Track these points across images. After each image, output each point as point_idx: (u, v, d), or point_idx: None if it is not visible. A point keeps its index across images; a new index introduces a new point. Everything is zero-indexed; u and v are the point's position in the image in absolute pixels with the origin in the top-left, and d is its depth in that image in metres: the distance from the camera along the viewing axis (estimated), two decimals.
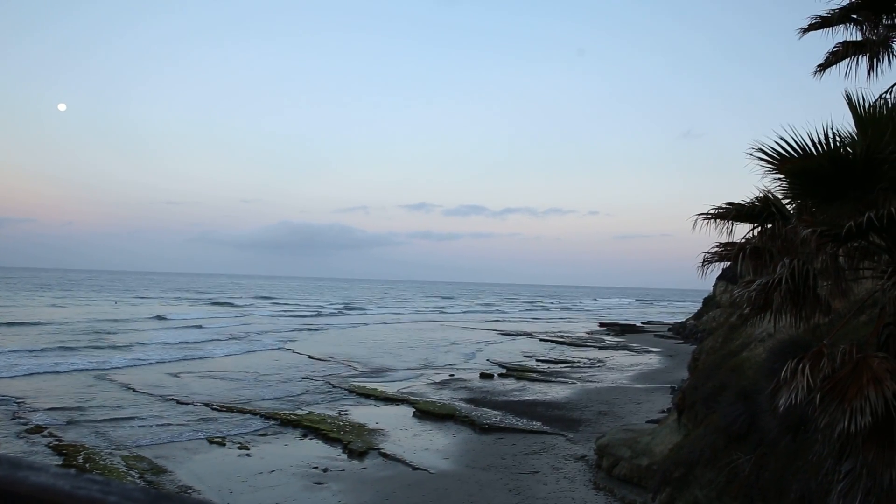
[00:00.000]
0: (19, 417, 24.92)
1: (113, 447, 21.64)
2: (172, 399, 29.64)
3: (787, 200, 6.69)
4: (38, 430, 23.24)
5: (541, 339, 67.14)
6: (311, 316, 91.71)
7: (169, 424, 25.03)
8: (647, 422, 25.08)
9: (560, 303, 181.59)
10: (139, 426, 24.60)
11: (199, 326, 63.88)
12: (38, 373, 33.63)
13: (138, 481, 18.18)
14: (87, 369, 36.00)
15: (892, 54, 11.48)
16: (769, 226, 6.81)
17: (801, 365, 5.82)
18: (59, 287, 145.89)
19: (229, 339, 56.24)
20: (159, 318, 71.88)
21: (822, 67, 11.88)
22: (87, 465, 19.11)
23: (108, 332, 54.99)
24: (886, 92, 11.24)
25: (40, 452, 20.69)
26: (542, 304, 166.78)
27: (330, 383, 35.65)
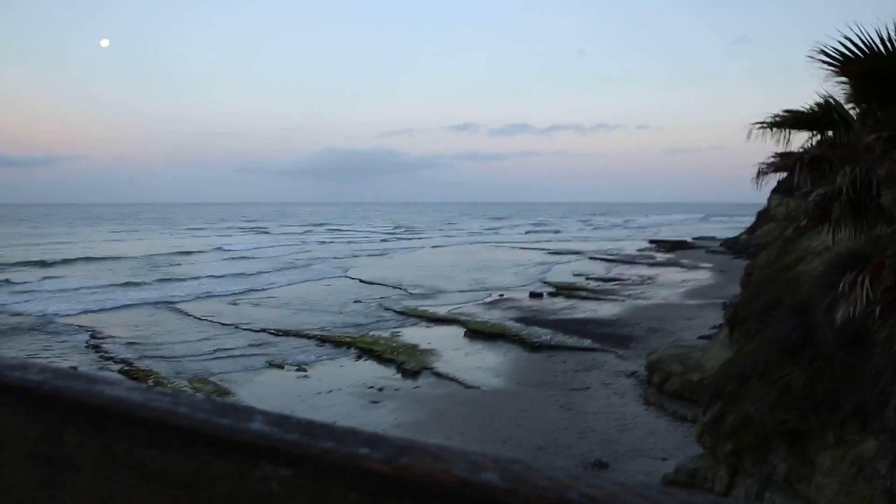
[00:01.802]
0: (92, 347, 26.24)
1: (180, 371, 22.68)
2: (232, 325, 30.73)
3: (851, 105, 6.30)
4: (109, 357, 24.47)
5: (590, 258, 66.74)
6: (362, 241, 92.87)
7: (231, 349, 26.03)
8: (699, 338, 24.96)
9: (609, 220, 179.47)
10: (204, 352, 25.64)
11: (252, 257, 65.06)
12: (106, 308, 34.96)
13: None
14: (150, 302, 37.35)
15: None
16: (830, 133, 6.46)
17: (860, 277, 5.62)
18: (112, 221, 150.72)
19: (283, 267, 57.41)
20: (216, 249, 73.42)
21: None
22: (157, 387, 20.11)
23: (168, 266, 56.75)
24: None
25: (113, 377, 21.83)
26: (590, 223, 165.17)
27: (383, 306, 36.36)
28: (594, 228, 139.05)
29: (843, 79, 6.05)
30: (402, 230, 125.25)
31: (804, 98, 6.63)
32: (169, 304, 36.51)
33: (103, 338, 27.79)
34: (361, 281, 47.82)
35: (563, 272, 54.00)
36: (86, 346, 26.17)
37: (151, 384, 20.42)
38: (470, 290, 42.89)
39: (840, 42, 5.73)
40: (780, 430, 10.85)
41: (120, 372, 22.23)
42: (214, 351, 25.76)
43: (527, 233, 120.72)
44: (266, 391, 20.73)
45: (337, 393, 20.40)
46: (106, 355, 24.65)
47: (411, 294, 41.42)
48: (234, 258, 63.77)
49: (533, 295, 40.12)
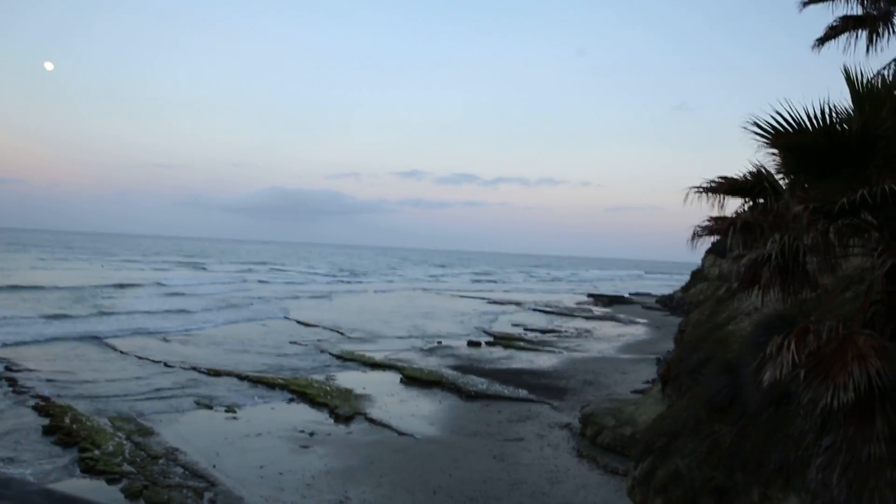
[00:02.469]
0: (6, 381, 24.82)
1: (101, 409, 21.66)
2: (162, 363, 29.65)
3: (780, 176, 6.64)
4: (24, 392, 23.18)
5: (530, 309, 67.49)
6: (303, 283, 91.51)
7: (159, 388, 25.04)
8: (632, 392, 25.33)
9: (549, 273, 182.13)
10: (130, 390, 24.56)
11: (188, 294, 63.02)
12: (26, 341, 33.03)
13: (125, 443, 18.22)
14: (76, 336, 35.61)
15: (893, 29, 11.36)
16: (761, 201, 6.77)
17: (787, 340, 5.83)
18: (41, 248, 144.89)
19: (220, 305, 55.94)
20: (150, 283, 70.78)
21: (822, 41, 11.74)
22: (74, 425, 19.13)
23: (98, 298, 54.58)
24: (885, 67, 11.16)
25: (26, 413, 20.69)
26: (531, 274, 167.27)
27: (318, 349, 35.77)
28: (535, 280, 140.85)
29: (774, 150, 6.38)
30: (345, 273, 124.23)
31: (739, 165, 6.96)
32: (96, 339, 34.91)
33: (20, 371, 26.35)
34: (299, 322, 47.04)
35: (502, 322, 54.33)
36: None
37: (69, 421, 19.45)
38: (408, 337, 42.65)
39: (772, 116, 6.06)
40: (708, 487, 11.02)
41: (34, 408, 21.07)
42: (141, 389, 24.73)
43: (469, 281, 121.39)
44: (192, 432, 19.96)
45: (266, 436, 19.80)
46: (21, 390, 23.35)
47: (349, 338, 40.92)
48: (169, 294, 61.65)
49: (471, 343, 40.16)
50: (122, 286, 64.37)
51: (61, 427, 18.99)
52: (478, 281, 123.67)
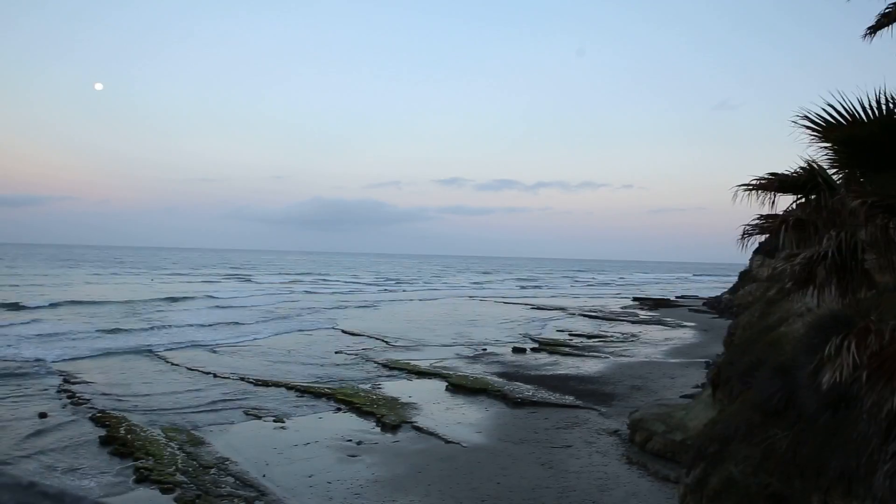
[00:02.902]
0: (65, 392, 25.59)
1: (154, 420, 22.13)
2: (210, 374, 30.18)
3: (834, 170, 6.41)
4: (81, 404, 23.85)
5: (574, 314, 66.83)
6: (346, 293, 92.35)
7: (208, 399, 25.49)
8: (681, 397, 24.83)
9: (594, 277, 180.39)
10: (181, 401, 25.07)
11: (236, 306, 64.17)
12: (84, 356, 33.85)
13: (177, 453, 18.57)
14: (130, 349, 36.57)
15: None
16: (814, 197, 6.54)
17: (846, 341, 5.61)
18: (94, 263, 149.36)
19: (267, 316, 56.86)
20: (199, 296, 71.74)
21: (873, 30, 11.34)
22: (129, 436, 19.59)
23: (150, 312, 55.91)
24: None
25: (84, 424, 21.26)
26: (575, 279, 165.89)
27: (364, 358, 35.97)
28: (579, 285, 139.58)
29: (827, 144, 6.17)
30: (389, 282, 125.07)
31: (786, 163, 6.75)
32: (149, 352, 35.72)
33: (78, 383, 27.15)
34: (344, 332, 47.42)
35: (547, 328, 53.92)
36: (58, 392, 25.52)
37: (123, 432, 19.93)
38: (453, 344, 42.60)
39: (823, 108, 5.86)
40: (764, 494, 10.69)
41: (91, 419, 21.65)
42: (192, 400, 25.21)
43: (512, 288, 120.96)
44: (242, 442, 20.24)
45: (314, 446, 19.95)
46: (79, 402, 24.03)
47: (394, 346, 41.07)
48: (218, 306, 62.83)
49: (516, 350, 39.91)
50: (173, 299, 65.90)
51: (117, 438, 19.47)
52: (521, 287, 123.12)
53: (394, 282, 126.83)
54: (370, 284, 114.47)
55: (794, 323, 16.94)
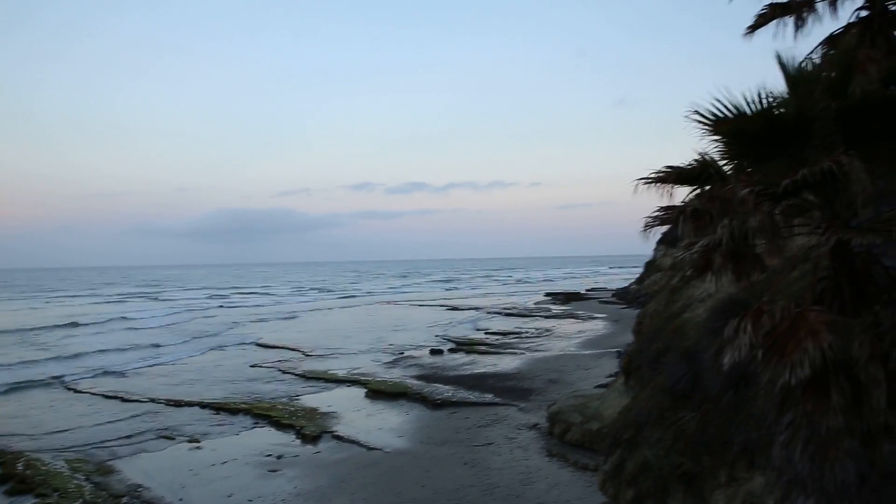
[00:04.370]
0: None
1: (56, 451, 20.89)
2: (117, 399, 28.78)
3: (725, 161, 6.78)
4: None
5: (489, 312, 67.72)
6: (260, 305, 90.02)
7: (118, 425, 24.29)
8: (596, 387, 25.58)
9: (506, 275, 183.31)
10: (87, 429, 23.77)
11: (142, 327, 60.92)
12: None
13: (84, 484, 17.61)
14: (31, 382, 34.28)
15: (817, 15, 11.80)
16: (708, 187, 6.90)
17: (743, 323, 5.94)
18: None
19: (177, 334, 54.80)
20: (76, 324, 65.31)
21: (752, 29, 12.12)
22: (28, 471, 18.40)
23: (51, 337, 52.72)
24: (813, 51, 11.57)
25: None
26: (490, 278, 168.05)
27: (280, 369, 35.24)
28: (494, 283, 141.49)
29: (717, 137, 6.52)
30: (304, 292, 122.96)
31: (683, 155, 7.07)
32: (54, 383, 33.36)
33: None
34: (261, 345, 46.30)
35: (463, 328, 54.39)
36: None
37: (22, 468, 18.68)
38: (371, 350, 42.33)
39: (712, 104, 6.19)
40: (676, 474, 11.16)
41: None
42: (100, 428, 23.91)
43: (428, 290, 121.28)
44: (154, 466, 19.41)
45: (232, 464, 19.37)
46: None
47: (312, 356, 40.42)
48: (131, 328, 59.61)
49: (433, 352, 40.08)
50: (75, 324, 61.82)
51: (14, 475, 18.23)
52: (437, 289, 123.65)
53: (309, 291, 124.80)
54: (286, 295, 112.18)
55: (696, 308, 17.76)
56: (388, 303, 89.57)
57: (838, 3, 11.79)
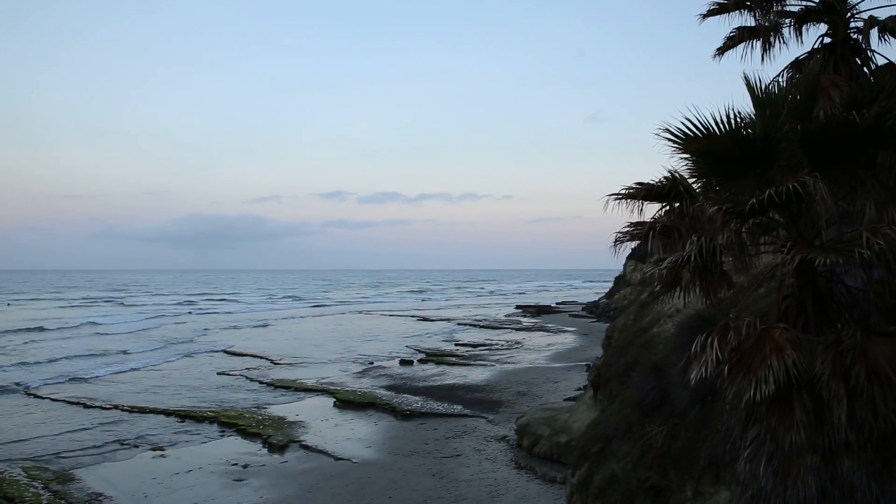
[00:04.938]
0: None
1: (13, 458, 20.38)
2: (80, 405, 28.20)
3: (693, 179, 6.90)
4: None
5: (459, 324, 67.72)
6: (229, 312, 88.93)
7: (79, 431, 23.82)
8: (565, 400, 25.72)
9: (477, 287, 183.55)
10: (47, 436, 23.22)
11: (107, 333, 59.77)
12: None
13: (41, 493, 17.20)
14: None
15: (783, 39, 12.10)
16: (677, 205, 7.01)
17: (709, 339, 6.04)
18: None
19: (144, 340, 53.89)
20: (42, 328, 61.96)
21: (721, 51, 12.38)
22: None
23: (17, 343, 51.38)
24: (779, 74, 11.85)
25: None
26: (460, 289, 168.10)
27: (248, 377, 34.85)
28: (465, 295, 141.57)
29: (686, 155, 6.64)
30: (273, 300, 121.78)
31: (655, 172, 7.19)
32: (16, 390, 32.31)
33: None
34: (229, 353, 45.74)
35: (433, 339, 54.31)
36: None
37: None
38: (340, 360, 42.06)
39: (682, 122, 6.32)
40: (643, 487, 11.26)
41: None
42: (61, 435, 23.34)
43: (398, 300, 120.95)
44: (117, 474, 19.03)
45: (197, 472, 19.08)
46: None
47: (280, 365, 40.03)
48: (98, 333, 58.28)
49: (403, 362, 39.96)
50: (41, 329, 60.21)
51: None
52: (409, 299, 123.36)
53: (282, 298, 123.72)
54: (257, 303, 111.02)
55: (665, 324, 17.99)
56: (360, 312, 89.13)
57: (803, 29, 12.11)
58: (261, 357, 42.95)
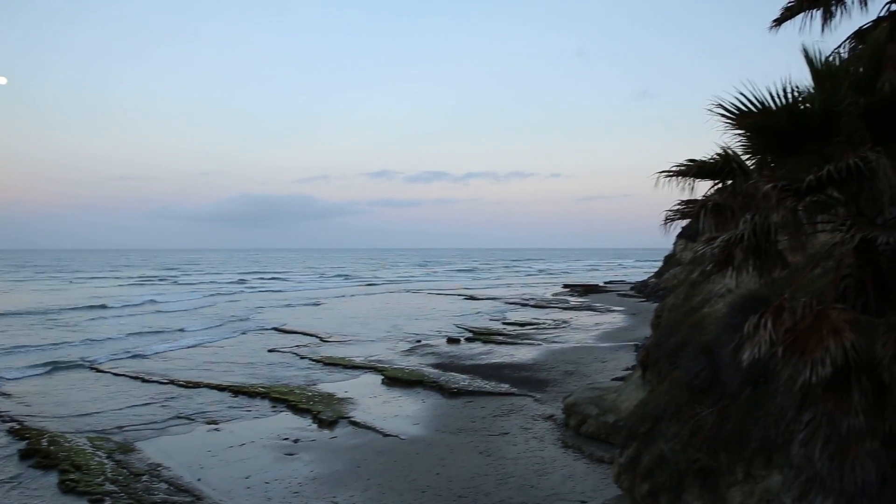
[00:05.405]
0: None
1: (80, 429, 21.28)
2: (138, 378, 29.24)
3: (748, 156, 6.70)
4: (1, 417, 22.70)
5: (506, 303, 67.65)
6: (281, 290, 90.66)
7: (138, 405, 24.68)
8: (613, 379, 25.50)
9: (525, 266, 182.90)
10: (109, 408, 24.15)
11: (166, 311, 61.46)
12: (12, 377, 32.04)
13: (106, 462, 17.92)
14: (55, 361, 34.87)
15: (845, 8, 11.58)
16: (730, 182, 6.83)
17: (763, 319, 5.89)
18: (5, 270, 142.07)
19: (199, 318, 55.36)
20: (103, 306, 63.81)
21: (778, 22, 11.93)
22: (52, 447, 18.76)
23: (72, 320, 53.45)
24: (840, 45, 11.36)
25: (1, 438, 20.24)
26: (507, 268, 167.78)
27: (298, 355, 35.53)
28: (512, 274, 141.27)
29: (740, 131, 6.44)
30: (324, 278, 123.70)
31: (706, 148, 7.01)
32: (72, 362, 33.77)
33: None
34: (280, 330, 46.68)
35: (481, 317, 54.41)
36: None
37: (46, 444, 19.06)
38: (388, 338, 42.51)
39: (735, 97, 6.13)
40: (692, 469, 11.12)
41: (9, 432, 20.63)
42: (122, 408, 24.26)
43: (446, 279, 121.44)
44: (174, 446, 19.70)
45: (250, 446, 19.60)
46: None
47: (330, 342, 40.68)
48: (153, 311, 60.18)
49: (450, 341, 40.16)
50: (104, 306, 62.46)
51: (39, 450, 18.62)
52: (456, 278, 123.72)
53: (333, 277, 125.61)
54: (306, 282, 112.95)
55: (716, 304, 17.62)
56: (408, 291, 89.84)
57: None
58: (310, 335, 43.73)
